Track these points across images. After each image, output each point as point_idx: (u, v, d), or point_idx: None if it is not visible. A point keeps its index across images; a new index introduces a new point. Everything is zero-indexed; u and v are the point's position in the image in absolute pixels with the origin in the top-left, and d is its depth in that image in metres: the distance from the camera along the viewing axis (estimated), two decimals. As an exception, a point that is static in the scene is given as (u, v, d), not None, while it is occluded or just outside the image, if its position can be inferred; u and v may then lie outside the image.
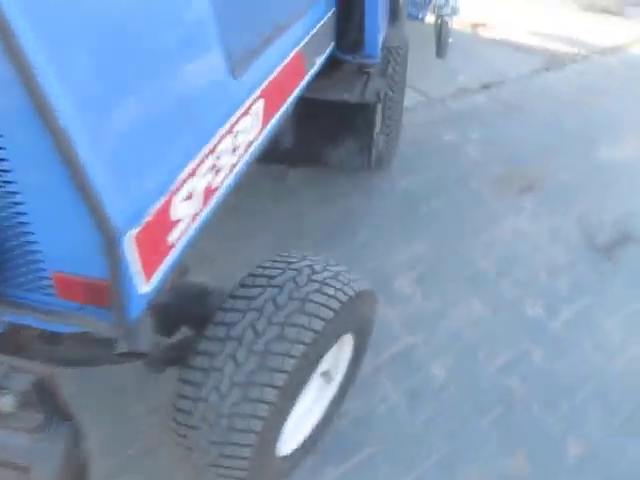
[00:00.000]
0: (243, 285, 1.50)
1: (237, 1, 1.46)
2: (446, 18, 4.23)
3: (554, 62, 5.07)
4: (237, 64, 1.44)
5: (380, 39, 2.52)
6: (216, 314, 1.45)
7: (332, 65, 2.44)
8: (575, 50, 5.37)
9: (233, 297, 1.47)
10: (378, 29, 2.43)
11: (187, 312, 1.57)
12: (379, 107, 2.64)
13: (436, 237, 2.96)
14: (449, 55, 4.17)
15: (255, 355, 1.37)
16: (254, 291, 1.47)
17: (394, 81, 2.92)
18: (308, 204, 3.09)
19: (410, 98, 4.21)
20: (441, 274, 2.75)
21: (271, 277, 1.51)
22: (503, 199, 3.27)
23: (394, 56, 2.90)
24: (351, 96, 2.51)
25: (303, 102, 2.12)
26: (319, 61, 2.20)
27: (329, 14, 2.25)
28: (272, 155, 2.09)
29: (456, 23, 5.25)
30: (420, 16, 3.93)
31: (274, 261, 1.59)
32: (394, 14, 2.89)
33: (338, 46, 2.43)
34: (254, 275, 1.53)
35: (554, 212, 3.21)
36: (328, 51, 2.32)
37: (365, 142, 2.70)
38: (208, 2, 1.28)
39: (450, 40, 4.33)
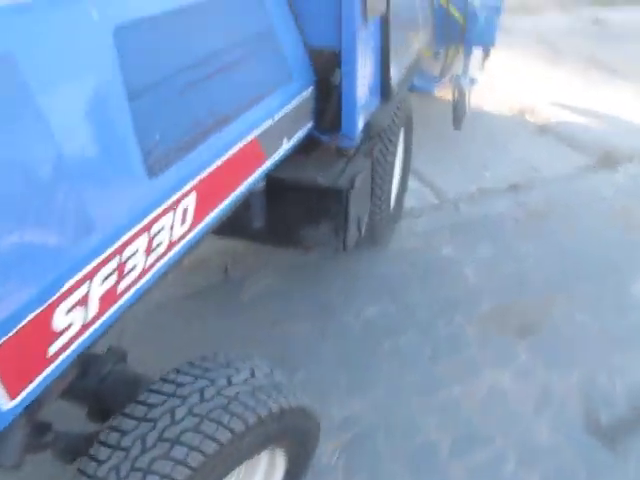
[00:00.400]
0: (150, 390, 1.43)
1: (162, 101, 1.48)
2: (464, 89, 4.00)
3: (605, 161, 4.41)
4: (156, 162, 1.42)
5: (359, 120, 2.32)
6: (117, 416, 1.40)
7: (313, 144, 2.40)
8: (635, 148, 4.68)
9: (137, 401, 1.41)
10: (355, 109, 2.24)
11: (120, 399, 1.50)
12: (353, 192, 2.35)
13: (388, 389, 2.44)
14: (481, 145, 3.74)
15: (137, 471, 1.27)
16: (156, 398, 1.39)
17: (380, 163, 2.73)
18: (256, 324, 2.70)
19: (420, 197, 3.76)
20: (377, 444, 2.22)
21: (180, 385, 1.42)
22: (490, 343, 2.70)
23: (382, 137, 2.72)
24: (324, 179, 2.33)
25: (276, 180, 2.19)
26: (290, 142, 2.15)
27: (305, 93, 2.20)
28: (243, 231, 2.28)
29: (501, 106, 4.85)
30: (430, 89, 3.51)
31: (192, 365, 1.50)
32: (385, 91, 2.60)
33: (317, 125, 2.35)
34: (165, 380, 1.45)
35: (551, 367, 2.59)
36: (305, 130, 2.27)
37: (339, 225, 2.42)
38: (126, 107, 1.31)
39: (467, 112, 4.11)
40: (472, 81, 4.12)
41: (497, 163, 4.25)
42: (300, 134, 2.27)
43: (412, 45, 3.20)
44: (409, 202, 3.61)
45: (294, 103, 2.15)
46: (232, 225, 2.33)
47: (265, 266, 3.08)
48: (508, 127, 4.93)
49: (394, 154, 2.86)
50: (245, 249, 3.14)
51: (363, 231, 2.62)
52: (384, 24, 2.47)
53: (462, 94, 4.06)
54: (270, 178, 2.27)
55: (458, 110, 4.13)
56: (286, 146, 2.15)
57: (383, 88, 2.60)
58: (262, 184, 2.28)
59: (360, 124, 2.37)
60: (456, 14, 3.92)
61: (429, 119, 4.72)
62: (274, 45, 2.05)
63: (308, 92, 2.27)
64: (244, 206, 2.26)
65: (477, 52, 4.61)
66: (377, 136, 2.70)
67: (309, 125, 2.34)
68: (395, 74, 2.75)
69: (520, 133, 4.87)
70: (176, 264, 1.61)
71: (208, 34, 1.75)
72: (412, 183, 3.71)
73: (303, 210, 2.44)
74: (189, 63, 1.63)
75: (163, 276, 1.54)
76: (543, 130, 4.94)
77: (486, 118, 5.04)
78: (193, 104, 1.64)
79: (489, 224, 3.56)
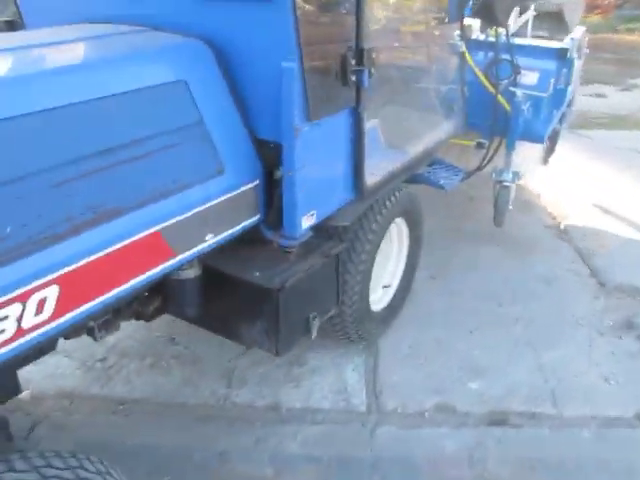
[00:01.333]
0: None
1: (22, 196, 1.49)
2: (506, 184, 3.67)
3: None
4: (4, 253, 1.43)
5: (303, 219, 2.19)
6: None
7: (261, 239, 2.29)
8: None
9: None
10: (296, 208, 2.12)
11: None
12: (286, 293, 2.17)
13: None
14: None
15: None
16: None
17: (349, 262, 2.57)
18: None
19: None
20: None
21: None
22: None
23: (351, 235, 2.56)
24: (255, 276, 2.19)
25: (212, 270, 2.18)
26: (220, 236, 2.06)
27: (246, 186, 2.13)
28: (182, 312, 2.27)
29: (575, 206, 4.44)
30: (444, 186, 3.20)
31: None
32: (358, 187, 2.42)
33: (265, 219, 2.25)
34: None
35: None
36: (246, 224, 2.18)
37: (270, 326, 2.24)
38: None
39: (510, 207, 3.78)
40: (515, 175, 3.75)
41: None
42: (238, 228, 2.15)
43: (420, 134, 2.98)
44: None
45: (226, 197, 2.05)
46: (174, 307, 2.29)
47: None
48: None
49: (370, 253, 2.62)
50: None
51: (314, 332, 2.38)
52: (357, 119, 2.31)
53: (503, 190, 3.71)
54: (207, 267, 2.21)
55: (499, 206, 3.76)
56: (213, 240, 2.04)
57: (356, 184, 2.41)
58: (196, 272, 2.18)
59: (305, 223, 2.19)
60: (503, 101, 3.62)
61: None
62: (198, 138, 1.96)
63: (251, 185, 2.16)
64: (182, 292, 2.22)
65: (537, 146, 4.26)
66: (340, 234, 2.50)
67: (254, 218, 2.22)
68: (379, 168, 2.55)
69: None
70: (33, 350, 1.60)
71: (97, 131, 1.71)
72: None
73: (237, 305, 2.29)
74: (64, 160, 1.61)
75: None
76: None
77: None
78: (66, 200, 1.61)
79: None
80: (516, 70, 3.65)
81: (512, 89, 3.52)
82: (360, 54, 2.16)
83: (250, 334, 2.30)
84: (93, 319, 1.99)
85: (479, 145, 3.74)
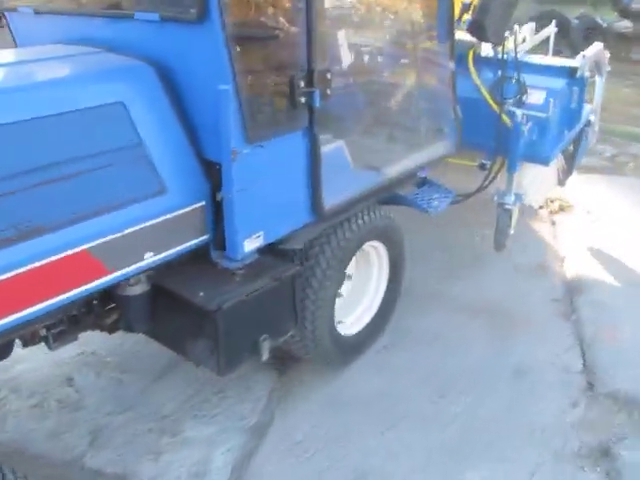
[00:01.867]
0: None
1: None
2: (507, 206, 3.48)
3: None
4: None
5: (245, 241, 2.16)
6: None
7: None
8: None
9: None
10: (236, 230, 2.11)
11: None
12: (227, 314, 2.15)
13: None
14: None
15: None
16: None
17: (306, 286, 2.52)
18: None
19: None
20: None
21: None
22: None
23: (310, 257, 2.52)
24: (199, 297, 2.16)
25: (159, 287, 2.20)
26: (161, 255, 2.07)
27: (189, 206, 2.12)
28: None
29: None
30: (429, 209, 3.08)
31: None
32: (316, 209, 2.37)
33: (213, 240, 2.24)
34: None
35: None
36: (191, 243, 2.17)
37: (212, 346, 2.22)
38: None
39: (512, 231, 3.58)
40: (518, 198, 3.57)
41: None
42: (181, 248, 2.16)
43: (397, 154, 2.89)
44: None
45: (167, 217, 2.07)
46: (123, 322, 2.32)
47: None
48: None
49: (333, 277, 2.56)
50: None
51: (265, 354, 2.34)
52: (312, 140, 2.27)
53: (505, 213, 3.54)
54: (155, 284, 2.24)
55: (499, 229, 3.59)
56: (153, 259, 2.06)
57: (313, 206, 2.36)
58: (143, 289, 2.21)
59: (248, 245, 2.16)
60: (507, 121, 3.47)
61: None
62: (135, 159, 1.98)
63: (196, 206, 2.16)
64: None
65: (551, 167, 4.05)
66: (299, 257, 2.45)
67: (201, 239, 2.22)
68: (343, 190, 2.49)
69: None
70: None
71: (25, 151, 1.77)
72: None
73: (183, 323, 2.29)
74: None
75: None
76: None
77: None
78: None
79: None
80: (522, 89, 3.52)
81: (512, 109, 3.37)
82: (310, 76, 2.13)
83: (195, 352, 2.29)
84: (47, 327, 2.05)
85: (482, 166, 3.60)
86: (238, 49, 1.92)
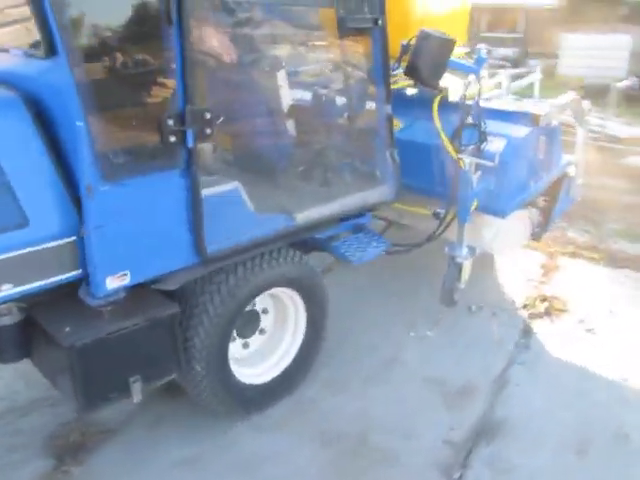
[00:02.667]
0: None
1: None
2: (458, 260, 3.30)
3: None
4: None
5: (106, 280, 2.11)
6: None
7: None
8: None
9: None
10: (97, 267, 2.08)
11: None
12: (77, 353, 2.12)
13: None
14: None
15: None
16: None
17: (191, 329, 2.44)
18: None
19: None
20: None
21: None
22: None
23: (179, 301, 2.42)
24: (59, 332, 2.13)
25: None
26: (16, 286, 2.03)
27: (56, 242, 2.09)
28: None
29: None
30: (351, 258, 2.95)
31: None
32: (200, 254, 2.31)
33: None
34: None
35: None
36: (54, 279, 2.12)
37: (70, 383, 2.17)
38: None
39: (462, 286, 3.37)
40: (471, 251, 3.35)
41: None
42: (47, 282, 2.13)
43: (313, 199, 2.79)
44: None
45: (29, 250, 2.05)
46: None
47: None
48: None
49: (219, 324, 2.46)
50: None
51: (137, 396, 2.26)
52: (190, 180, 2.22)
53: (455, 265, 3.33)
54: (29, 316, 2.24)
55: (446, 283, 3.38)
56: (11, 292, 2.04)
57: (195, 248, 2.30)
58: (13, 320, 2.21)
59: (111, 284, 2.12)
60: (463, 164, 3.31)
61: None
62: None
63: (65, 241, 2.13)
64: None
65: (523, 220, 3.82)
66: (182, 298, 2.38)
67: (71, 274, 2.18)
68: (237, 233, 2.42)
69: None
70: None
71: None
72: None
73: (50, 357, 2.27)
74: None
75: None
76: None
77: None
78: None
79: None
80: (482, 136, 3.36)
81: (461, 156, 3.21)
82: (181, 115, 2.10)
83: (61, 387, 2.26)
84: None
85: (436, 215, 3.44)
86: (92, 85, 1.92)
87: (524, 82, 4.25)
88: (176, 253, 2.28)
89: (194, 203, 2.24)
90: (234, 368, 2.66)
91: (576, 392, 3.08)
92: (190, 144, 2.14)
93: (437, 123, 3.46)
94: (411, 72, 2.93)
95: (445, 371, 3.22)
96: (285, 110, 2.89)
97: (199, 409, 2.74)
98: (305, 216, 2.70)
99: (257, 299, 2.70)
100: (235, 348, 2.73)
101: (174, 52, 2.04)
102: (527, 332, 3.63)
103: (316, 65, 3.05)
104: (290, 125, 2.87)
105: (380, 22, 2.71)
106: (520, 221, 3.80)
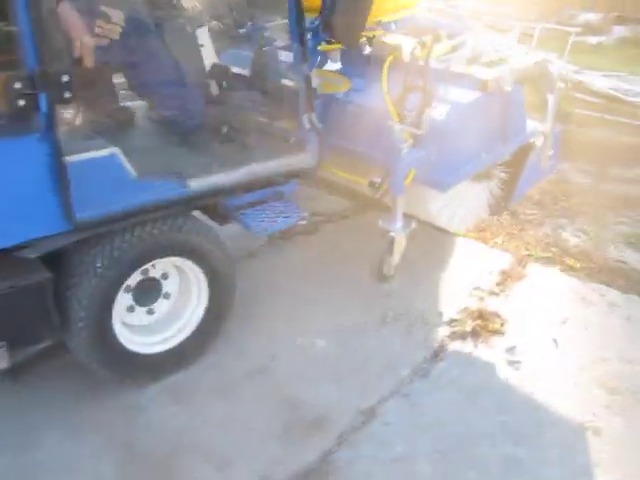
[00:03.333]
0: None
1: None
2: (391, 233, 3.09)
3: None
4: None
5: None
6: None
7: None
8: None
9: None
10: None
11: None
12: None
13: None
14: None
15: None
16: None
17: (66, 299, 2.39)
18: None
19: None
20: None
21: None
22: None
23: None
24: None
25: None
26: None
27: None
28: None
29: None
30: (255, 229, 2.82)
31: None
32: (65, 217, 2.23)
33: None
34: None
35: None
36: None
37: None
38: None
39: (394, 261, 3.14)
40: (405, 225, 3.15)
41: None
42: None
43: (221, 163, 2.65)
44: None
45: None
46: None
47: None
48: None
49: (98, 290, 2.40)
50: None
51: (3, 362, 2.25)
52: (50, 146, 2.12)
53: (388, 239, 3.15)
54: None
55: (378, 257, 3.20)
56: None
57: (64, 215, 2.23)
58: None
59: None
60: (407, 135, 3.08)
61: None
62: None
63: None
64: None
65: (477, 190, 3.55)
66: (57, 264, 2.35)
67: None
68: (115, 200, 2.34)
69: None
70: None
71: None
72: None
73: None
74: None
75: None
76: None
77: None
78: None
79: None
80: (426, 101, 3.11)
81: (390, 123, 2.99)
82: (31, 77, 2.00)
83: None
84: None
85: (371, 184, 3.25)
86: None
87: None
88: (40, 220, 2.23)
89: (57, 169, 2.16)
90: (131, 336, 2.64)
91: (452, 445, 2.46)
92: (44, 109, 2.06)
93: (384, 84, 3.23)
94: (325, 29, 2.71)
95: (310, 393, 2.71)
96: (190, 70, 2.74)
97: None
98: (202, 182, 2.59)
99: (152, 266, 2.64)
100: (137, 317, 2.70)
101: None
102: (437, 355, 2.98)
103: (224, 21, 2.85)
104: (193, 86, 2.72)
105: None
106: (474, 194, 3.55)
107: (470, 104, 3.13)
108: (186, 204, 2.60)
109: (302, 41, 2.72)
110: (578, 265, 3.71)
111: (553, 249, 3.90)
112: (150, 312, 2.75)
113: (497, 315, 3.25)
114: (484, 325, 3.15)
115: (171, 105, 2.75)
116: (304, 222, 3.15)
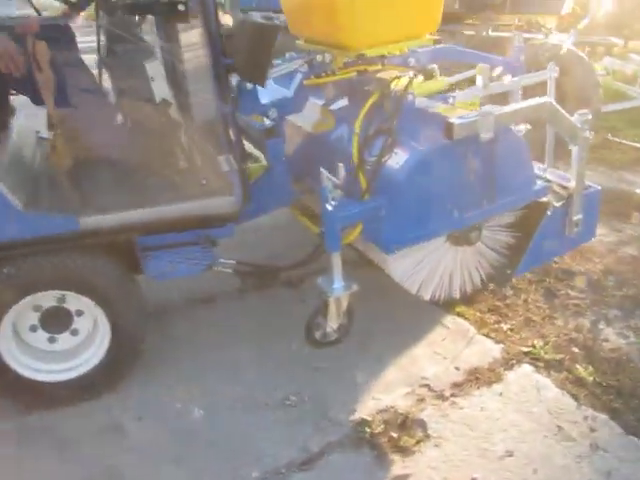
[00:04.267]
0: None
1: None
2: (326, 295, 2.61)
3: None
4: None
5: None
6: None
7: None
8: None
9: None
10: None
11: None
12: None
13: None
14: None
15: None
16: None
17: None
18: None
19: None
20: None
21: None
22: None
23: None
24: None
25: None
26: None
27: None
28: None
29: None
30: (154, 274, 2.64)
31: None
32: None
33: None
34: None
35: None
36: None
37: None
38: None
39: (332, 326, 2.65)
40: (344, 287, 2.63)
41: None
42: None
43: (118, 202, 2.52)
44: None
45: None
46: None
47: None
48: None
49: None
50: None
51: None
52: None
53: (321, 302, 2.69)
54: None
55: (308, 322, 2.68)
56: None
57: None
58: None
59: None
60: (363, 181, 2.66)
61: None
62: None
63: None
64: None
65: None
66: None
67: None
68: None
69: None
70: None
71: None
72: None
73: None
74: None
75: None
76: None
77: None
78: None
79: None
80: (389, 145, 2.66)
81: (322, 170, 2.58)
82: None
83: None
84: None
85: (321, 235, 2.87)
86: None
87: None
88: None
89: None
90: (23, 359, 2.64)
91: None
92: None
93: (357, 124, 2.84)
94: (233, 70, 2.42)
95: (146, 470, 2.24)
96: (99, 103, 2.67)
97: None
98: (99, 220, 2.51)
99: (68, 298, 2.62)
100: (36, 339, 2.66)
101: None
102: (306, 463, 2.27)
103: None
104: (106, 122, 2.65)
105: (182, 7, 2.30)
106: (459, 259, 2.90)
107: (432, 152, 2.59)
108: (77, 240, 2.54)
109: (221, 77, 2.49)
110: (590, 378, 2.66)
111: (574, 349, 2.87)
112: (52, 340, 2.74)
113: (422, 427, 2.42)
114: (397, 437, 2.36)
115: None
116: (229, 270, 2.84)
